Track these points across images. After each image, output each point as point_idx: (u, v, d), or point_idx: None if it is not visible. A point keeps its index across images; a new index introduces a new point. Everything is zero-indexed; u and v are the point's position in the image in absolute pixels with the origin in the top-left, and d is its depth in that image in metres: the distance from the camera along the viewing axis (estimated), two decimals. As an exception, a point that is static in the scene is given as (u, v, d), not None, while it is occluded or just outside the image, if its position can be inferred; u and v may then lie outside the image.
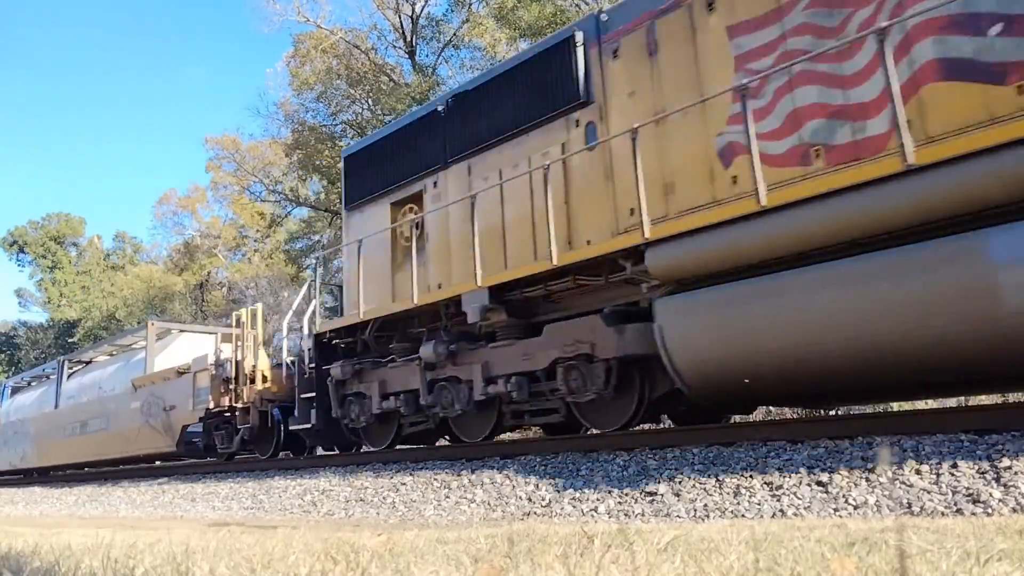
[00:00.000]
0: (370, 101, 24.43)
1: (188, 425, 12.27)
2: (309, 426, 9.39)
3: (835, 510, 4.03)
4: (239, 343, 11.21)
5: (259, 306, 11.92)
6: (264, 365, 11.01)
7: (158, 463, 15.26)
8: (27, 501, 12.89)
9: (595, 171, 6.98)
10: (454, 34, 23.23)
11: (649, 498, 4.89)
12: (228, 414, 11.39)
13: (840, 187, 4.88)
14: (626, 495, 5.05)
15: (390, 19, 24.76)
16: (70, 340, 40.25)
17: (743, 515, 4.26)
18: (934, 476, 4.04)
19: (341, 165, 10.52)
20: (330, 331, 9.28)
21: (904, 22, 4.85)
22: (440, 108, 8.71)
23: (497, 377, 7.34)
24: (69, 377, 16.78)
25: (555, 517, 5.00)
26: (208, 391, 11.46)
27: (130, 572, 2.41)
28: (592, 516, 4.86)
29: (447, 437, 9.09)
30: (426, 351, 7.79)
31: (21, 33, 72.08)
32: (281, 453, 11.39)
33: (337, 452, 10.60)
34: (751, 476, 4.71)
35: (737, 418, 8.27)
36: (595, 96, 7.07)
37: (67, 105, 74.50)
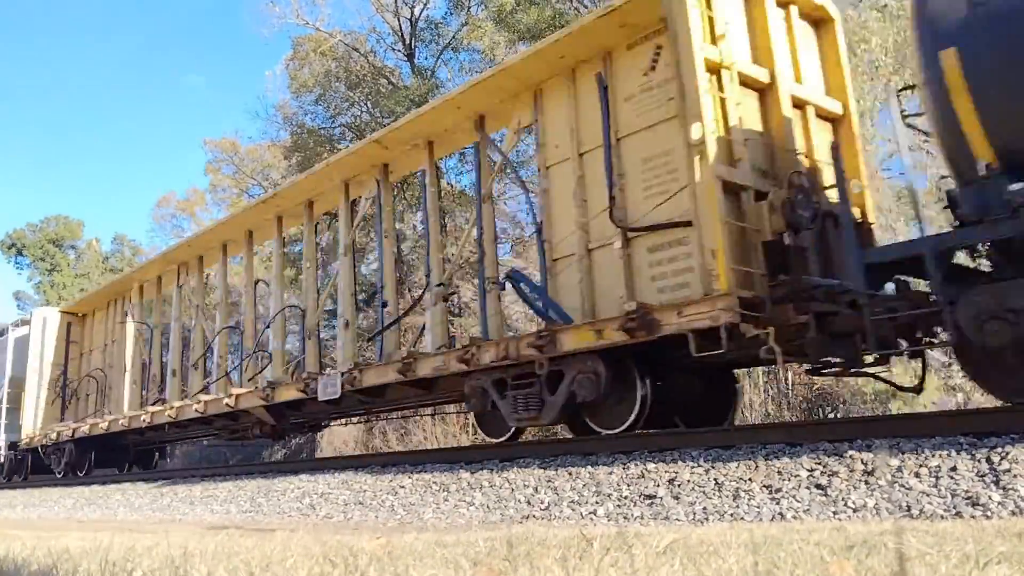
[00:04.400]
0: (369, 104, 24.44)
1: None
2: None
3: (834, 513, 4.03)
4: None
5: None
6: None
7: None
8: (25, 504, 12.87)
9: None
10: (453, 37, 23.26)
11: (648, 501, 4.88)
12: None
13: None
14: (625, 498, 5.04)
15: (389, 22, 24.79)
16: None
17: (742, 518, 4.26)
18: (933, 479, 4.04)
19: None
20: None
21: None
22: None
23: None
24: None
25: (554, 520, 5.00)
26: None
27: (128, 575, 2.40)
28: (591, 519, 4.86)
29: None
30: None
31: (21, 38, 72.10)
32: None
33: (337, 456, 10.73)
34: (750, 479, 4.70)
35: (736, 421, 8.28)
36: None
37: (66, 108, 74.53)
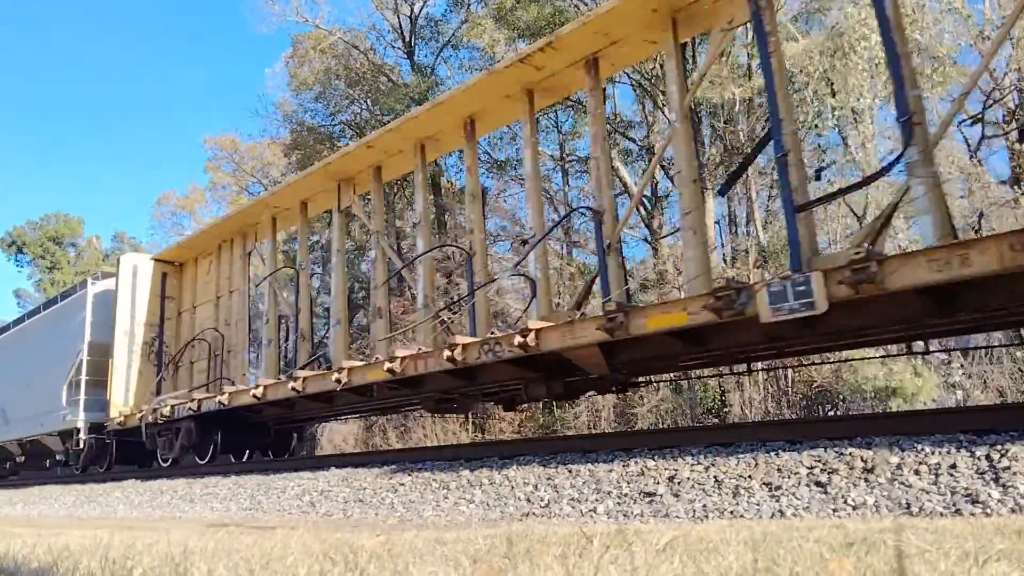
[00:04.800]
0: (369, 101, 24.45)
1: None
2: None
3: (834, 510, 4.03)
4: None
5: None
6: None
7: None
8: (25, 502, 12.88)
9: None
10: (453, 34, 23.26)
11: (648, 499, 4.89)
12: None
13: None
14: (625, 496, 5.05)
15: (388, 19, 24.80)
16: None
17: (742, 515, 4.27)
18: (933, 476, 4.04)
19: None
20: None
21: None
22: None
23: None
24: None
25: (554, 518, 5.00)
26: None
27: (128, 573, 2.40)
28: (591, 517, 4.86)
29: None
30: None
31: (21, 34, 72.03)
32: None
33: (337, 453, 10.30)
34: (750, 476, 4.71)
35: (736, 418, 8.29)
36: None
37: (66, 106, 74.48)
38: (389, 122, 10.40)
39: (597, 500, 5.10)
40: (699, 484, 4.84)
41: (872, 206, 13.63)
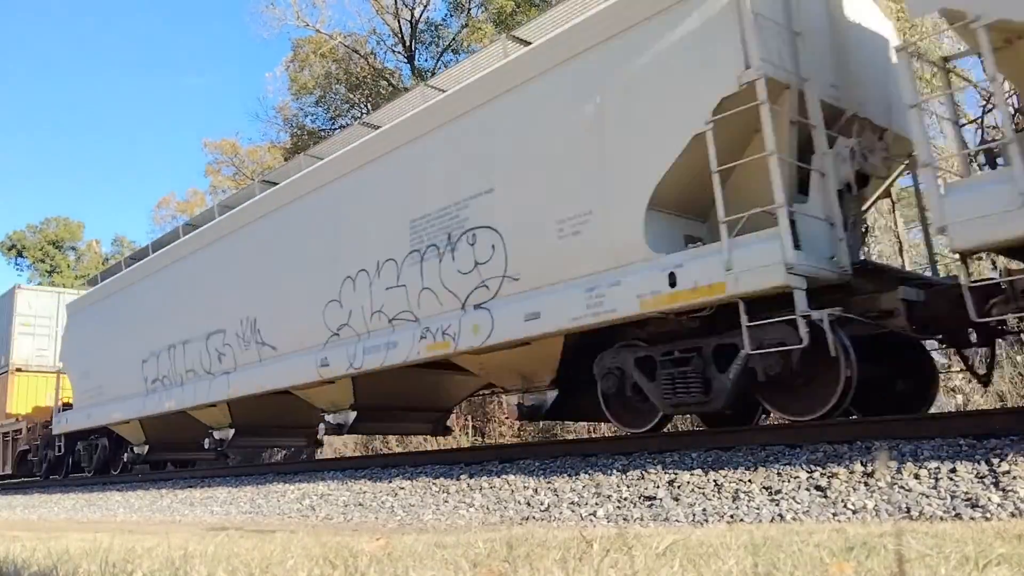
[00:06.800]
0: (369, 105, 24.49)
1: None
2: None
3: (834, 514, 4.03)
4: None
5: None
6: None
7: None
8: (25, 505, 12.86)
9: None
10: (453, 39, 23.31)
11: (648, 503, 4.88)
12: None
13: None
14: (625, 500, 5.04)
15: (389, 24, 24.84)
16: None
17: (742, 519, 4.26)
18: (933, 481, 4.04)
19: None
20: None
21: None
22: None
23: None
24: None
25: (554, 521, 5.00)
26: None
27: (128, 576, 2.40)
28: (591, 521, 4.86)
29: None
30: None
31: (21, 38, 72.20)
32: None
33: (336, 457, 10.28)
34: (750, 481, 4.71)
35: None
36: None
37: (66, 109, 74.58)
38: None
39: (597, 504, 5.10)
40: (699, 488, 4.84)
41: None
